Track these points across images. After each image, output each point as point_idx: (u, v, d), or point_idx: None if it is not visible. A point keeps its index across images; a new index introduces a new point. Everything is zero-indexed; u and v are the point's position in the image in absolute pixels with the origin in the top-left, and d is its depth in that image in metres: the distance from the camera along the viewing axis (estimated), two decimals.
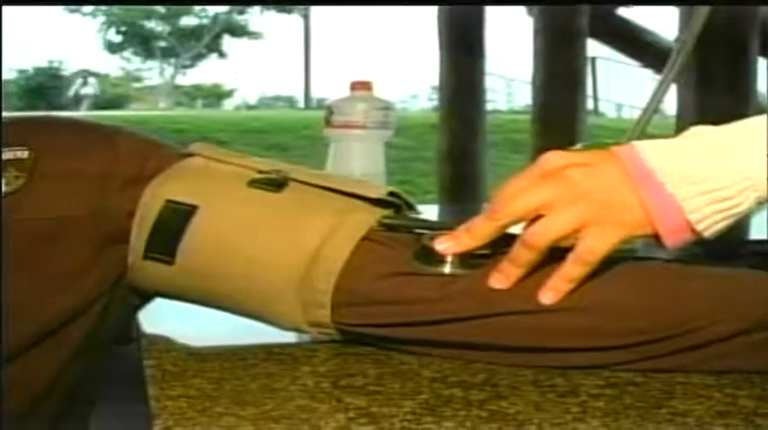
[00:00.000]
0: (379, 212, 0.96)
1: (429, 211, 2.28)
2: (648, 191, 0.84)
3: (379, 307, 0.91)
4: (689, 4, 1.56)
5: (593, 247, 0.84)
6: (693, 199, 0.83)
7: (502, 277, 0.87)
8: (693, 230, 0.85)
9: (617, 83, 16.98)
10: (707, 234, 0.85)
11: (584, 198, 0.84)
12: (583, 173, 0.85)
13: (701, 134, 0.87)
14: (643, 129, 1.46)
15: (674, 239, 0.85)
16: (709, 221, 0.84)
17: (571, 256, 0.85)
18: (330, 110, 1.64)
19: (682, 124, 4.62)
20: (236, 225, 0.94)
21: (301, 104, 26.79)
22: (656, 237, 0.85)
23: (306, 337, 0.97)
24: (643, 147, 0.86)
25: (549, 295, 0.86)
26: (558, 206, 0.85)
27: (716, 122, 0.89)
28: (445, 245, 0.89)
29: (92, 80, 28.69)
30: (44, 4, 26.59)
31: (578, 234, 0.84)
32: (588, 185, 0.85)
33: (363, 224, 0.93)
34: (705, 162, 0.84)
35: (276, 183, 0.97)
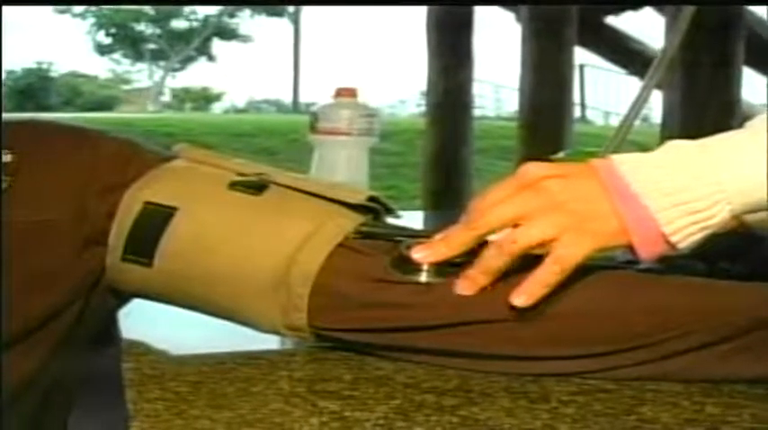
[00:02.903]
0: (359, 218, 0.97)
1: (414, 218, 2.30)
2: (623, 202, 0.85)
3: (354, 312, 0.92)
4: (681, 4, 1.57)
5: (568, 254, 0.85)
6: (667, 210, 0.85)
7: (468, 283, 0.88)
8: (668, 242, 0.86)
9: (605, 90, 17.02)
10: (681, 246, 0.86)
11: (560, 208, 0.85)
12: (560, 184, 0.86)
13: (676, 147, 0.88)
14: (625, 134, 1.47)
15: (648, 250, 0.86)
16: (684, 233, 0.85)
17: (547, 261, 0.85)
18: (315, 116, 1.64)
19: (666, 132, 4.64)
20: (215, 227, 0.95)
21: (290, 108, 26.80)
22: (631, 248, 0.86)
23: (286, 343, 0.98)
24: (620, 160, 0.87)
25: (522, 298, 0.85)
26: (535, 217, 0.86)
27: (700, 130, 0.90)
28: (422, 253, 0.90)
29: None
30: (44, 4, 26.55)
31: (553, 242, 0.85)
32: (565, 196, 0.86)
33: (341, 230, 0.94)
34: (680, 174, 0.85)
35: (257, 186, 0.97)
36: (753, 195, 0.85)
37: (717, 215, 0.85)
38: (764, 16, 6.20)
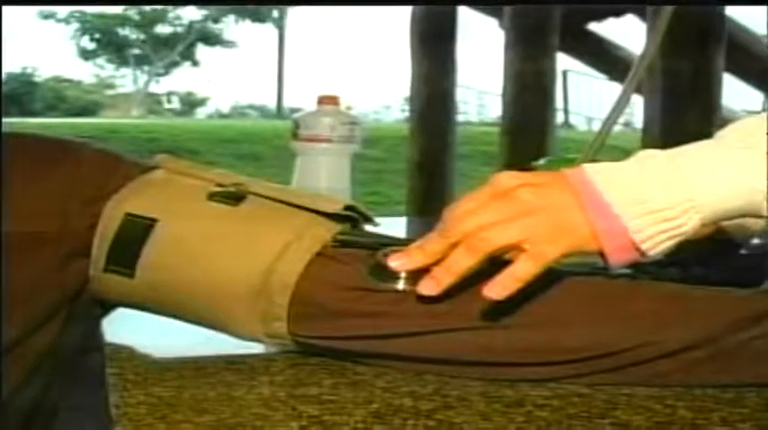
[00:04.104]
0: (336, 227, 0.98)
1: (398, 223, 2.31)
2: (595, 211, 0.87)
3: (333, 320, 0.93)
4: (666, 5, 1.57)
5: (542, 251, 0.86)
6: (638, 219, 0.86)
7: (433, 283, 0.88)
8: (638, 249, 0.87)
9: (588, 96, 17.03)
10: (651, 253, 0.88)
11: (533, 216, 0.87)
12: (533, 193, 0.88)
13: (647, 157, 0.90)
14: (605, 138, 1.48)
15: (618, 258, 0.88)
16: (654, 241, 0.87)
17: (521, 257, 0.86)
18: (297, 123, 1.66)
19: (648, 137, 4.67)
20: (195, 238, 0.97)
21: (274, 113, 26.77)
22: (602, 255, 0.88)
23: (267, 348, 0.99)
24: (592, 169, 0.89)
25: (496, 290, 0.85)
26: (507, 222, 0.87)
27: (681, 136, 0.91)
28: (399, 262, 0.91)
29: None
30: (44, 4, 26.41)
31: (525, 243, 0.86)
32: (537, 205, 0.87)
33: (319, 239, 0.96)
34: (650, 183, 0.87)
35: (235, 197, 0.99)
36: (722, 204, 0.87)
37: (687, 224, 0.87)
38: (744, 22, 6.23)
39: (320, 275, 0.94)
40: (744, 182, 0.87)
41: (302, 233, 0.96)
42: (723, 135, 0.91)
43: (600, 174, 0.88)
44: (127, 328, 1.06)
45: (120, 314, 1.04)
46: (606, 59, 7.77)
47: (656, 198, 0.86)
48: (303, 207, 0.99)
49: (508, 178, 0.89)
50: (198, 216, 0.98)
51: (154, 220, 0.97)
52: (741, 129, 0.91)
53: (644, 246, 0.87)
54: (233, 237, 0.96)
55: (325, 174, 1.64)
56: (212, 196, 0.99)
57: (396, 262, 0.91)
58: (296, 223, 0.97)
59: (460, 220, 0.88)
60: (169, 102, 31.37)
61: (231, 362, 0.96)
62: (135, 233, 0.97)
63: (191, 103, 31.71)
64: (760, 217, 0.89)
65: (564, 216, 0.87)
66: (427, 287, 0.88)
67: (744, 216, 0.90)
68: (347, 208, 1.00)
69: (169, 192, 1.00)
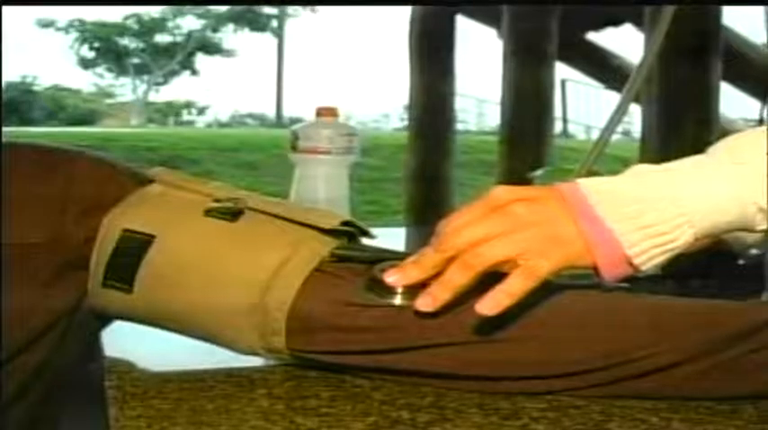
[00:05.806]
0: (333, 242, 0.98)
1: (397, 233, 2.31)
2: (588, 225, 0.87)
3: (331, 335, 0.94)
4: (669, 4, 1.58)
5: (535, 266, 0.86)
6: (631, 233, 0.87)
7: (429, 299, 0.89)
8: (631, 264, 0.88)
9: (586, 105, 17.02)
10: (644, 268, 0.89)
11: (527, 230, 0.87)
12: (527, 207, 0.88)
13: (640, 172, 0.91)
14: (603, 147, 1.48)
15: (612, 272, 0.88)
16: (647, 256, 0.88)
17: (514, 272, 0.86)
18: (296, 135, 1.66)
19: (646, 147, 4.67)
20: (192, 255, 0.97)
21: (273, 122, 26.77)
22: (595, 269, 0.88)
23: (266, 361, 1.00)
24: (585, 183, 0.90)
25: (488, 306, 0.85)
26: (502, 237, 0.88)
27: (679, 145, 0.92)
28: (394, 277, 0.91)
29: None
30: (44, 4, 26.40)
31: (519, 259, 0.87)
32: (531, 219, 0.88)
33: (316, 254, 0.96)
34: (642, 198, 0.88)
35: (232, 212, 0.99)
36: (715, 219, 0.88)
37: (680, 238, 0.88)
38: (741, 31, 6.24)
39: (317, 291, 0.94)
40: (736, 197, 0.88)
41: (299, 248, 0.96)
42: (715, 151, 0.92)
43: (593, 188, 0.89)
44: (125, 340, 1.07)
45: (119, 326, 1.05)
46: (604, 68, 7.78)
47: (649, 213, 0.87)
48: (300, 222, 0.99)
49: (502, 192, 0.90)
50: (195, 232, 0.98)
51: (151, 236, 0.98)
52: (732, 145, 0.92)
53: (637, 261, 0.88)
54: (230, 254, 0.97)
55: (323, 185, 1.65)
56: (209, 212, 0.99)
57: (391, 277, 0.92)
58: (293, 239, 0.97)
59: (455, 235, 0.89)
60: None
61: (230, 374, 0.96)
62: (133, 249, 0.97)
63: (189, 112, 31.72)
64: (753, 231, 0.90)
65: (557, 230, 0.87)
66: (424, 304, 0.89)
67: (737, 230, 0.91)
68: (344, 223, 1.00)
69: (166, 208, 1.00)
